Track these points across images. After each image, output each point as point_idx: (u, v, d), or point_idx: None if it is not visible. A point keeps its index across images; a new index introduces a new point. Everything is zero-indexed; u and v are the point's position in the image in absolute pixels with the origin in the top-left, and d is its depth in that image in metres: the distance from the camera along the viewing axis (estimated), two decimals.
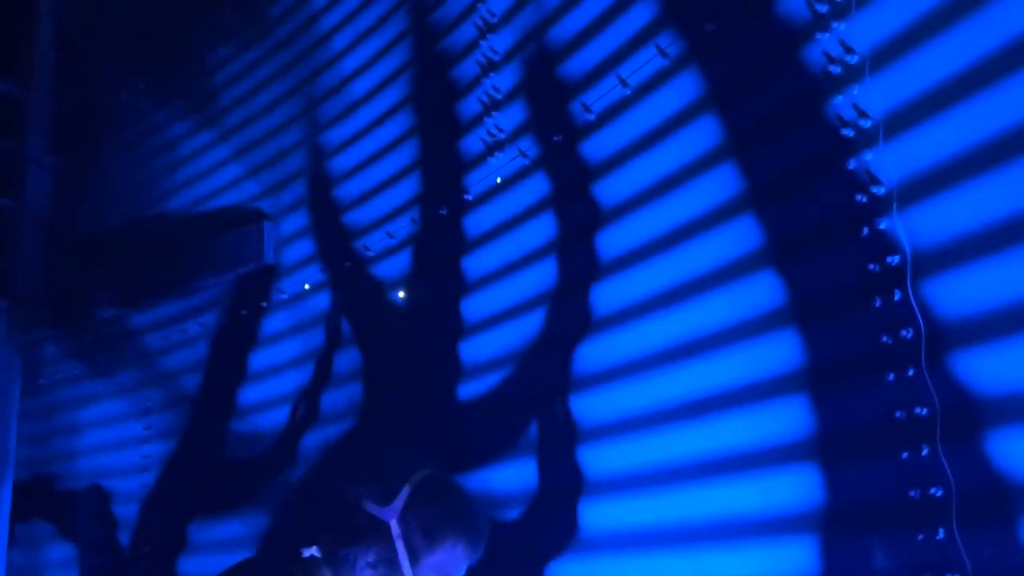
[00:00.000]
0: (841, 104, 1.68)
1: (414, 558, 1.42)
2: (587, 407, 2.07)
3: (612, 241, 2.08)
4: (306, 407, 2.85)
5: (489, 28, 2.48)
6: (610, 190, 2.10)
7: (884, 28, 1.63)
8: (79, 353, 4.06)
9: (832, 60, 1.70)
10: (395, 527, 1.42)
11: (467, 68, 2.54)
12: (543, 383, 2.17)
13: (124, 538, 3.61)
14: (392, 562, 1.40)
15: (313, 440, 2.79)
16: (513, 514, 2.19)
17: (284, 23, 3.32)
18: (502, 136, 2.39)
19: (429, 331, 2.53)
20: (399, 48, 2.79)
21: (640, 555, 1.91)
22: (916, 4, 1.58)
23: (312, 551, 1.42)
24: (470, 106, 2.51)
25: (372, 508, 1.44)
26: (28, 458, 4.20)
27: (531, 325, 2.23)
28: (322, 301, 2.90)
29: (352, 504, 1.45)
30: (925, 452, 1.50)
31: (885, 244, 1.59)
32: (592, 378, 2.07)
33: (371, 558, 1.41)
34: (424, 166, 2.64)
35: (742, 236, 1.81)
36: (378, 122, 2.82)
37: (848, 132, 1.66)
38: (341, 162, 2.95)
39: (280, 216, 3.15)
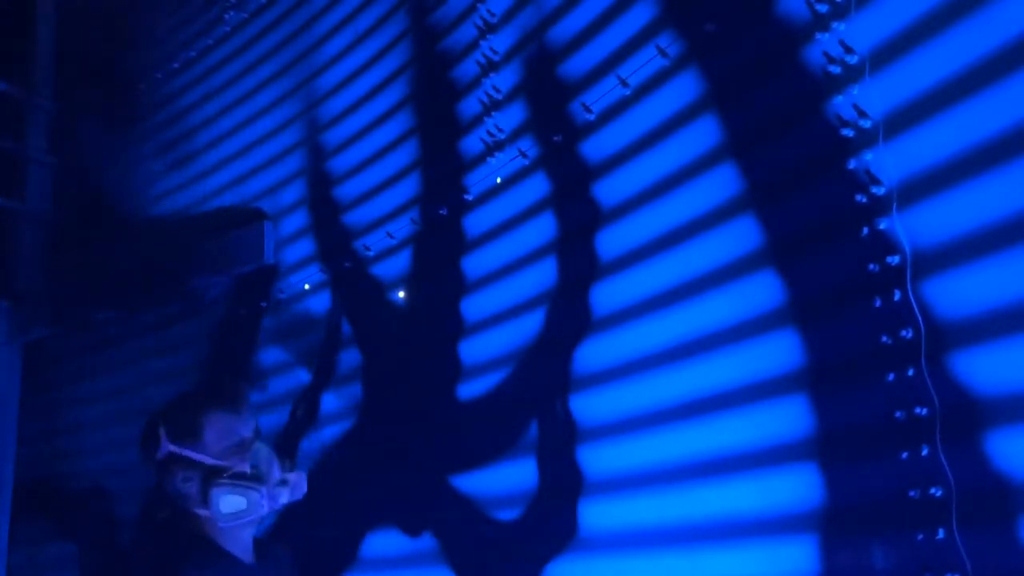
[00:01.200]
0: (841, 104, 1.68)
1: (199, 449, 1.67)
2: (587, 407, 2.07)
3: (612, 241, 2.08)
4: (306, 407, 2.85)
5: (489, 28, 2.48)
6: (610, 190, 2.10)
7: (884, 28, 1.63)
8: (80, 353, 4.06)
9: (832, 60, 1.70)
10: (170, 446, 1.67)
11: (467, 68, 2.54)
12: (543, 383, 2.17)
13: (122, 538, 3.61)
14: (195, 466, 1.66)
15: (313, 440, 2.80)
16: (513, 514, 2.19)
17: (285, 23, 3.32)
18: (502, 136, 2.39)
19: (429, 331, 2.53)
20: (399, 48, 2.79)
21: (640, 555, 1.91)
22: (916, 4, 1.58)
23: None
24: (470, 106, 2.51)
25: (166, 446, 1.69)
26: (28, 458, 4.20)
27: (531, 325, 2.23)
28: (322, 301, 2.90)
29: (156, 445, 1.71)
30: (925, 452, 1.50)
31: (885, 244, 1.59)
32: (592, 378, 2.07)
33: (184, 478, 1.66)
34: (424, 166, 2.64)
35: (742, 236, 1.81)
36: (378, 122, 2.82)
37: (848, 132, 1.66)
38: (341, 162, 2.95)
39: (280, 216, 3.15)
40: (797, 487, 1.66)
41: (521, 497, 2.17)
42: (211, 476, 1.65)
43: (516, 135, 2.36)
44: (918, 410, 1.51)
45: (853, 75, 1.66)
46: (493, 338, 2.33)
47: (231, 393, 1.79)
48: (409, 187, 2.67)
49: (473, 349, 2.39)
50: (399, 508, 2.50)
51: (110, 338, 3.90)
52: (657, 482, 1.89)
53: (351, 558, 2.59)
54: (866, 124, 1.64)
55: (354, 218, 2.85)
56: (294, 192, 3.12)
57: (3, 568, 4.03)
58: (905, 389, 1.53)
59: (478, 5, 2.51)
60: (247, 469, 1.69)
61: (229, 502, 1.64)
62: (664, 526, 1.87)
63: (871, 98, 1.64)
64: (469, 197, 2.47)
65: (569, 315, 2.14)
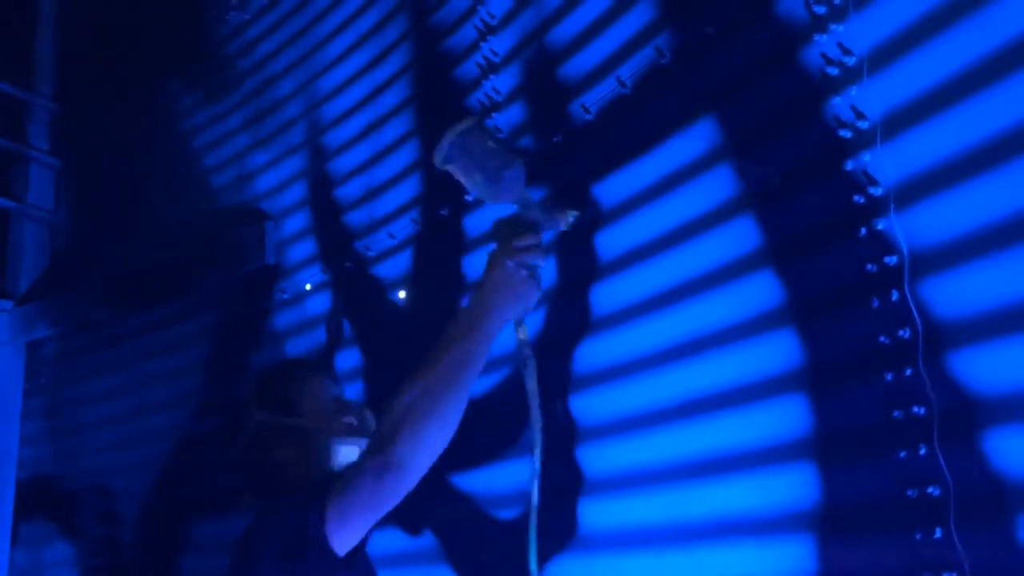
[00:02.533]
0: (839, 105, 1.68)
1: (294, 414, 1.68)
2: (587, 407, 2.08)
3: (612, 241, 2.08)
4: None
5: (489, 30, 2.49)
6: (610, 190, 2.11)
7: (882, 30, 1.63)
8: (80, 353, 4.07)
9: (830, 62, 1.70)
10: (261, 414, 1.67)
11: (467, 70, 2.54)
12: (543, 383, 2.18)
13: (124, 538, 3.62)
14: (291, 431, 1.66)
15: None
16: (513, 514, 2.20)
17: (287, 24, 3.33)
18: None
19: (429, 331, 2.53)
20: (399, 50, 2.80)
21: (640, 555, 1.91)
22: (914, 5, 1.59)
23: None
24: (470, 107, 2.51)
25: (257, 415, 1.68)
26: (30, 458, 4.20)
27: (531, 325, 2.23)
28: (323, 301, 2.91)
29: None
30: (923, 452, 1.50)
31: (883, 244, 1.60)
32: (592, 378, 2.08)
33: (280, 444, 1.66)
34: (425, 166, 2.65)
35: (741, 236, 1.82)
36: (379, 123, 2.82)
37: (846, 133, 1.67)
38: (342, 162, 2.96)
39: (281, 216, 3.16)
40: (795, 487, 1.67)
41: (521, 497, 2.18)
42: (314, 435, 1.59)
43: (516, 135, 2.36)
44: (916, 410, 1.52)
45: (851, 76, 1.67)
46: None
47: (311, 361, 1.76)
48: (410, 187, 2.68)
49: None
50: (399, 508, 2.50)
51: (110, 338, 3.91)
52: (657, 482, 1.90)
53: None
54: (864, 125, 1.64)
55: (355, 218, 2.86)
56: (295, 192, 3.13)
57: (5, 568, 4.04)
58: (903, 389, 1.54)
59: (478, 7, 2.52)
60: (353, 422, 1.65)
61: (346, 453, 1.56)
62: (664, 526, 1.88)
63: (869, 99, 1.64)
64: (470, 197, 2.47)
65: (569, 315, 2.15)
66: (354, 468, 1.42)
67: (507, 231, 1.48)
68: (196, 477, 3.32)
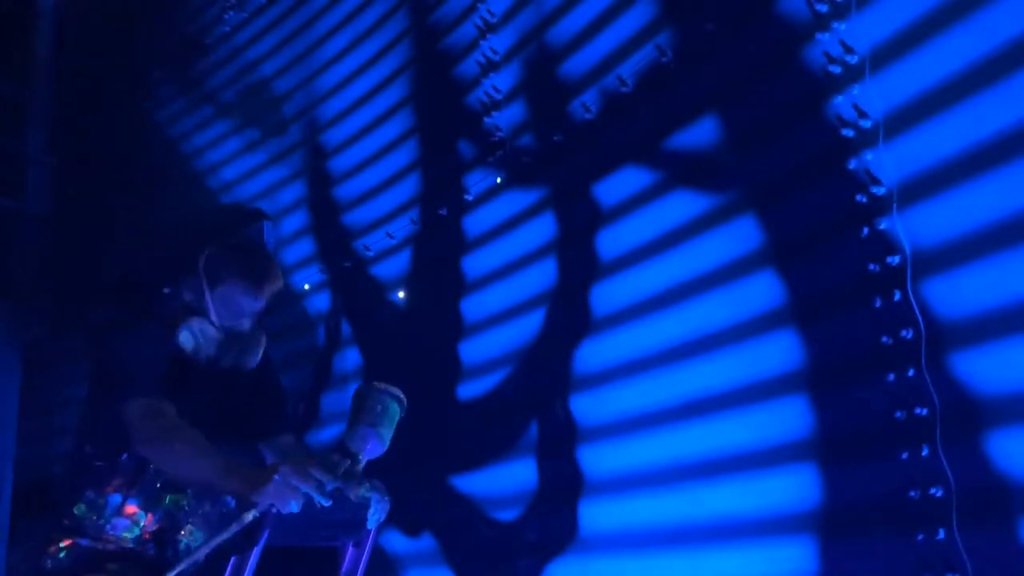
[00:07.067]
0: (841, 104, 1.67)
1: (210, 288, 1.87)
2: (587, 407, 2.07)
3: (612, 241, 2.08)
4: (306, 407, 2.85)
5: (489, 28, 2.48)
6: (610, 190, 2.10)
7: (884, 28, 1.63)
8: (79, 353, 4.06)
9: (832, 60, 1.70)
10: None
11: (467, 68, 2.54)
12: (543, 383, 2.17)
13: None
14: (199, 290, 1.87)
15: (313, 439, 2.79)
16: (513, 514, 2.19)
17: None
18: (502, 136, 2.39)
19: (429, 331, 2.53)
20: (399, 48, 2.79)
21: (640, 555, 1.91)
22: (916, 4, 1.58)
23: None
24: (470, 106, 2.50)
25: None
26: (27, 458, 4.19)
27: (531, 325, 2.23)
28: (322, 301, 2.90)
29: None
30: (925, 452, 1.49)
31: (885, 244, 1.59)
32: (592, 378, 2.07)
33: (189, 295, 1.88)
34: (424, 166, 2.64)
35: (742, 236, 1.81)
36: (378, 122, 2.81)
37: (848, 132, 1.66)
38: (341, 162, 2.95)
39: (280, 216, 3.15)
40: (798, 487, 1.66)
41: (521, 497, 2.17)
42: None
43: (516, 135, 2.36)
44: (918, 410, 1.51)
45: (853, 75, 1.66)
46: (493, 338, 2.33)
47: (259, 275, 1.88)
48: (409, 187, 2.67)
49: (473, 349, 2.39)
50: (399, 508, 2.49)
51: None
52: (657, 482, 1.89)
53: None
54: (866, 124, 1.64)
55: (354, 218, 2.85)
56: (294, 192, 3.12)
57: (2, 567, 4.03)
58: (905, 389, 1.53)
59: (478, 5, 2.51)
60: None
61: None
62: (664, 526, 1.87)
63: (871, 98, 1.63)
64: (469, 197, 2.47)
65: (569, 315, 2.14)
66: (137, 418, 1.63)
67: (314, 459, 1.64)
68: None
